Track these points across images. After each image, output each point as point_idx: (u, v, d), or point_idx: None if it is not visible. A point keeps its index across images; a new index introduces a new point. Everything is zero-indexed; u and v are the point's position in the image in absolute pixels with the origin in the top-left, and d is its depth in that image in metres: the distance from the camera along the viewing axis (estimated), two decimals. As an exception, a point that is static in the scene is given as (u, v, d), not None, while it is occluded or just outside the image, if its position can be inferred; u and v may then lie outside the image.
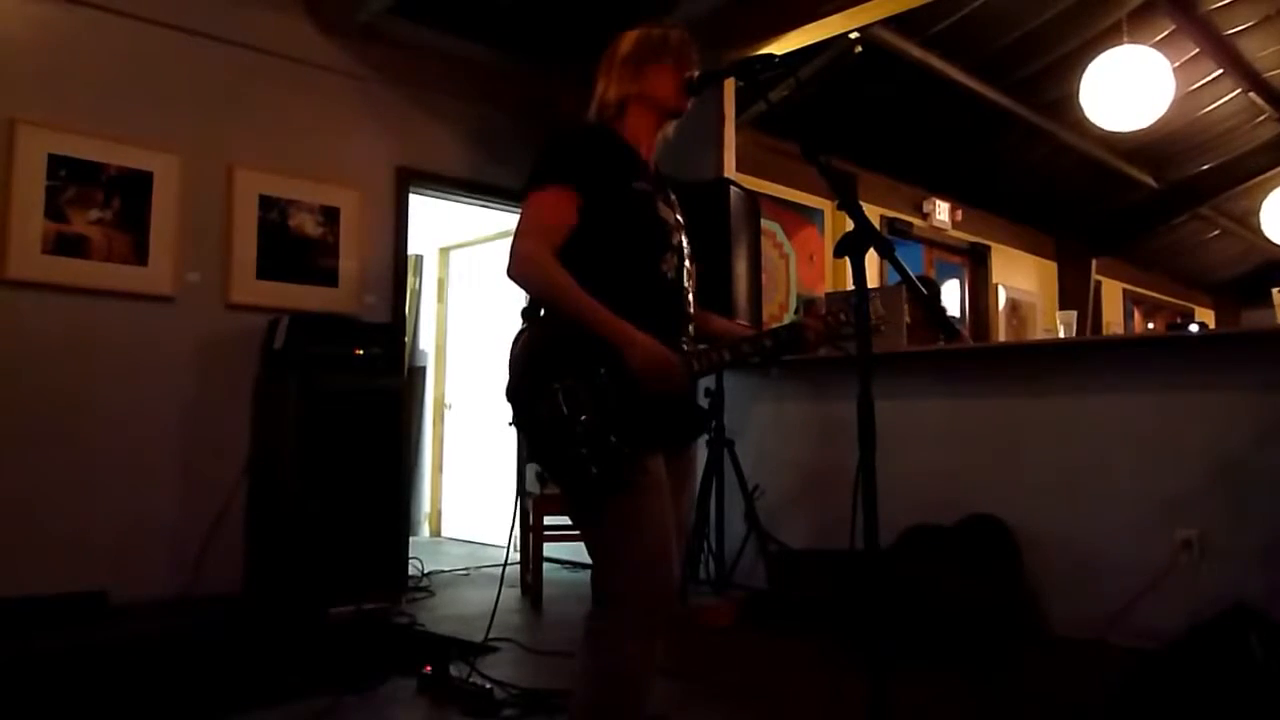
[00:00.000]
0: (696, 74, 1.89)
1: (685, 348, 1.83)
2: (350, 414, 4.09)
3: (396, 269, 4.89)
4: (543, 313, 1.78)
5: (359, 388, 4.15)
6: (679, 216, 1.92)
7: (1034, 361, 3.74)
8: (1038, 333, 8.19)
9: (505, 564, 2.87)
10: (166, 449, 4.05)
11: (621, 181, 1.80)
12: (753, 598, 3.97)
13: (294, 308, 4.33)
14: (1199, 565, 3.17)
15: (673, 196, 1.93)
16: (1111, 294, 9.65)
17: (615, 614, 1.73)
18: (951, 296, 7.87)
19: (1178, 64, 5.51)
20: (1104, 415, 3.44)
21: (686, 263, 1.89)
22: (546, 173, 1.77)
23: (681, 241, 1.89)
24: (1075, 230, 8.73)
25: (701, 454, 4.16)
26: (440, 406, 6.50)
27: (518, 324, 1.83)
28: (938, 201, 7.43)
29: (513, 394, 1.74)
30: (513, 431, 1.75)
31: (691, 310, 1.90)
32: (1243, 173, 7.66)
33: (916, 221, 7.31)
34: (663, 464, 1.76)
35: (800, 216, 6.36)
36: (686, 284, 1.88)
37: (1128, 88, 4.92)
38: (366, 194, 4.77)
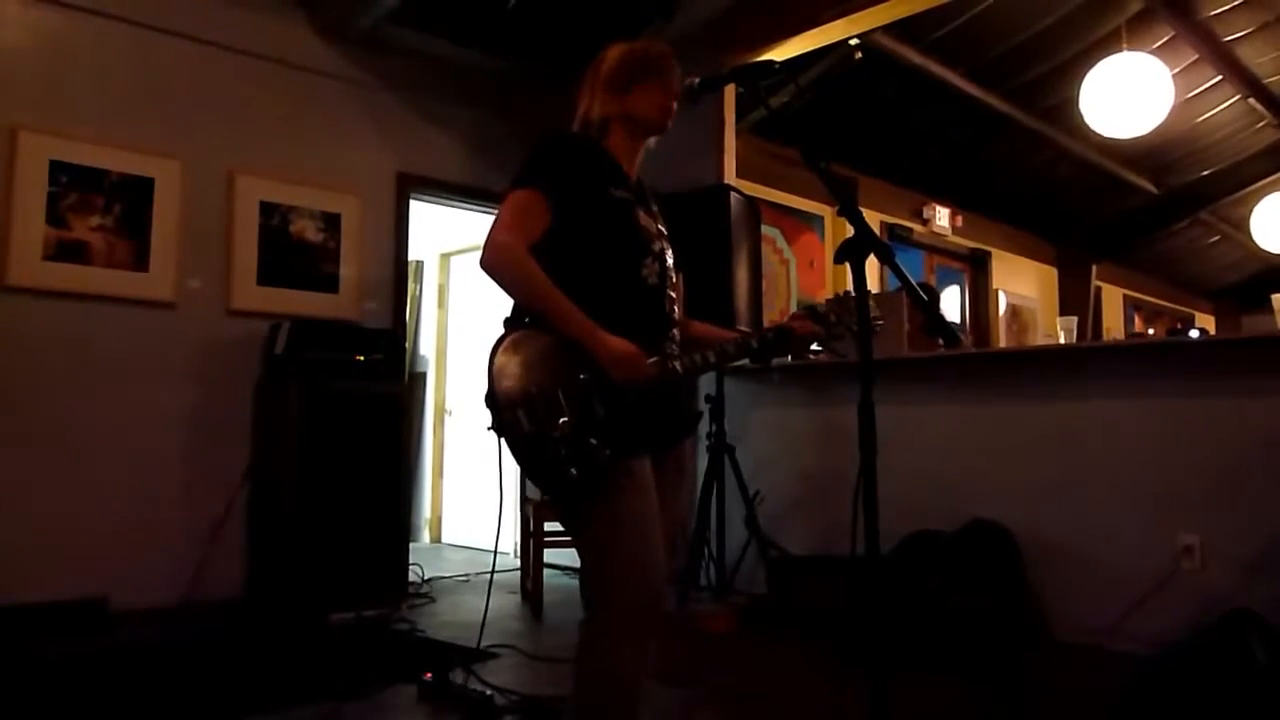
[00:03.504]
0: (696, 81, 1.91)
1: (668, 351, 1.83)
2: (351, 419, 4.09)
3: (397, 275, 4.90)
4: (527, 320, 1.78)
5: (359, 393, 4.15)
6: (661, 227, 1.94)
7: (1034, 367, 3.74)
8: (1038, 338, 8.20)
9: (493, 570, 2.87)
10: (167, 455, 4.05)
11: (599, 188, 1.83)
12: (753, 604, 3.97)
13: (295, 313, 4.33)
14: (1201, 570, 3.17)
15: (655, 208, 1.96)
16: (1112, 300, 9.65)
17: (602, 617, 1.73)
18: (952, 302, 7.87)
19: (1177, 70, 5.52)
20: (1105, 421, 3.44)
21: (670, 270, 1.91)
22: (523, 175, 1.82)
23: (664, 249, 1.91)
24: (1075, 236, 8.74)
25: (702, 459, 4.16)
26: (441, 412, 6.50)
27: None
28: (938, 207, 7.44)
29: (491, 398, 1.74)
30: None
31: (675, 316, 1.91)
32: (1242, 178, 7.66)
33: (917, 227, 7.32)
34: (649, 466, 1.76)
35: (800, 222, 6.37)
36: (669, 290, 1.90)
37: (1127, 95, 4.93)
38: (367, 200, 4.77)
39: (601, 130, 1.91)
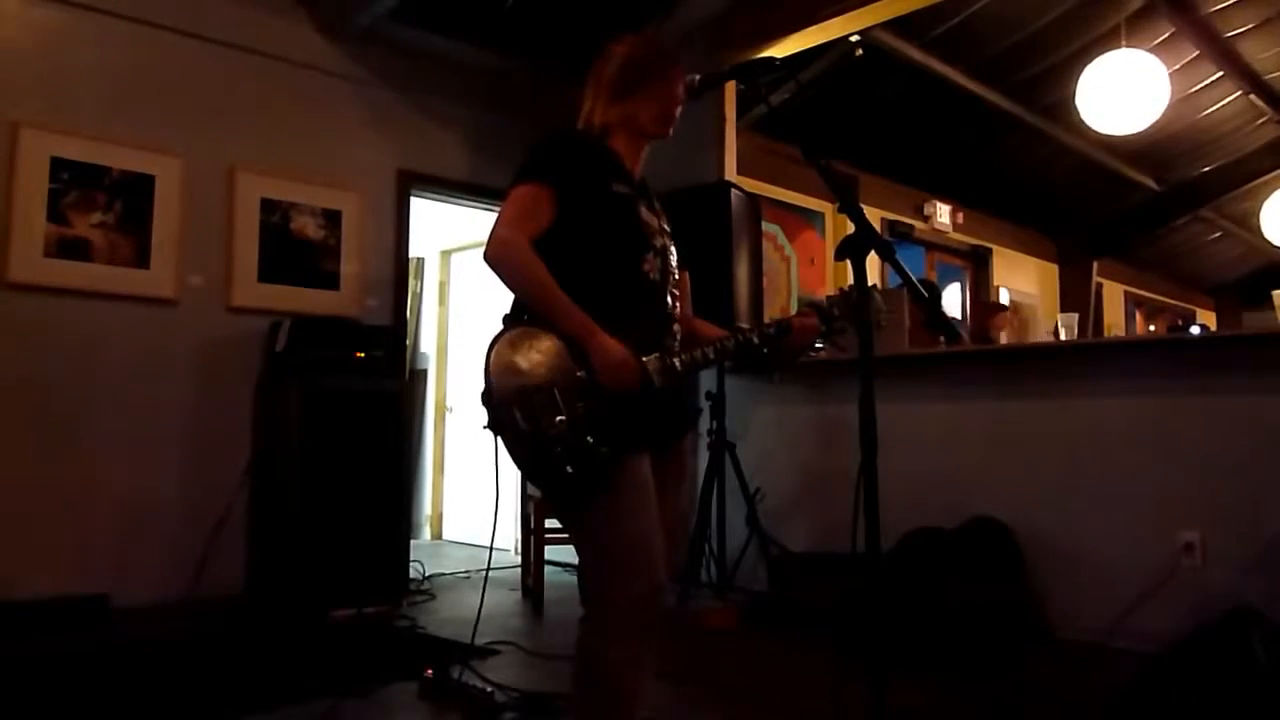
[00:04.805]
0: (697, 78, 1.91)
1: (669, 348, 1.83)
2: (351, 416, 4.09)
3: (398, 272, 4.90)
4: (526, 317, 1.78)
5: (360, 390, 4.15)
6: (664, 224, 1.94)
7: (1035, 364, 3.73)
8: (1039, 335, 8.19)
9: (489, 567, 2.87)
10: (168, 452, 4.05)
11: (601, 184, 1.83)
12: (754, 601, 3.97)
13: (295, 311, 4.32)
14: (1201, 568, 3.17)
15: (657, 205, 1.96)
16: (1113, 296, 9.64)
17: (600, 615, 1.73)
18: (952, 299, 7.86)
19: (1177, 67, 5.52)
20: (1105, 417, 3.44)
21: (672, 267, 1.91)
22: (527, 171, 1.81)
23: (666, 245, 1.91)
24: (1076, 232, 8.73)
25: (703, 456, 4.16)
26: (441, 409, 6.50)
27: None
28: (939, 204, 7.43)
29: (487, 396, 1.74)
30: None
31: (676, 312, 1.91)
32: (1243, 175, 7.65)
33: (918, 224, 7.31)
34: (647, 462, 1.76)
35: (801, 219, 6.36)
36: (671, 287, 1.89)
37: (1123, 92, 4.93)
38: (368, 197, 4.77)
39: (604, 133, 1.91)
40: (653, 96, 1.88)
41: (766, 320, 4.51)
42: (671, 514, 1.91)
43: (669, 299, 1.88)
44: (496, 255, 1.75)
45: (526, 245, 1.74)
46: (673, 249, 1.93)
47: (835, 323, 1.88)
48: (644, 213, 1.88)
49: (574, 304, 1.71)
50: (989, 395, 3.77)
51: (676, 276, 1.93)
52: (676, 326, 1.90)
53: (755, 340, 1.84)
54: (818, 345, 1.91)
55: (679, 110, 1.91)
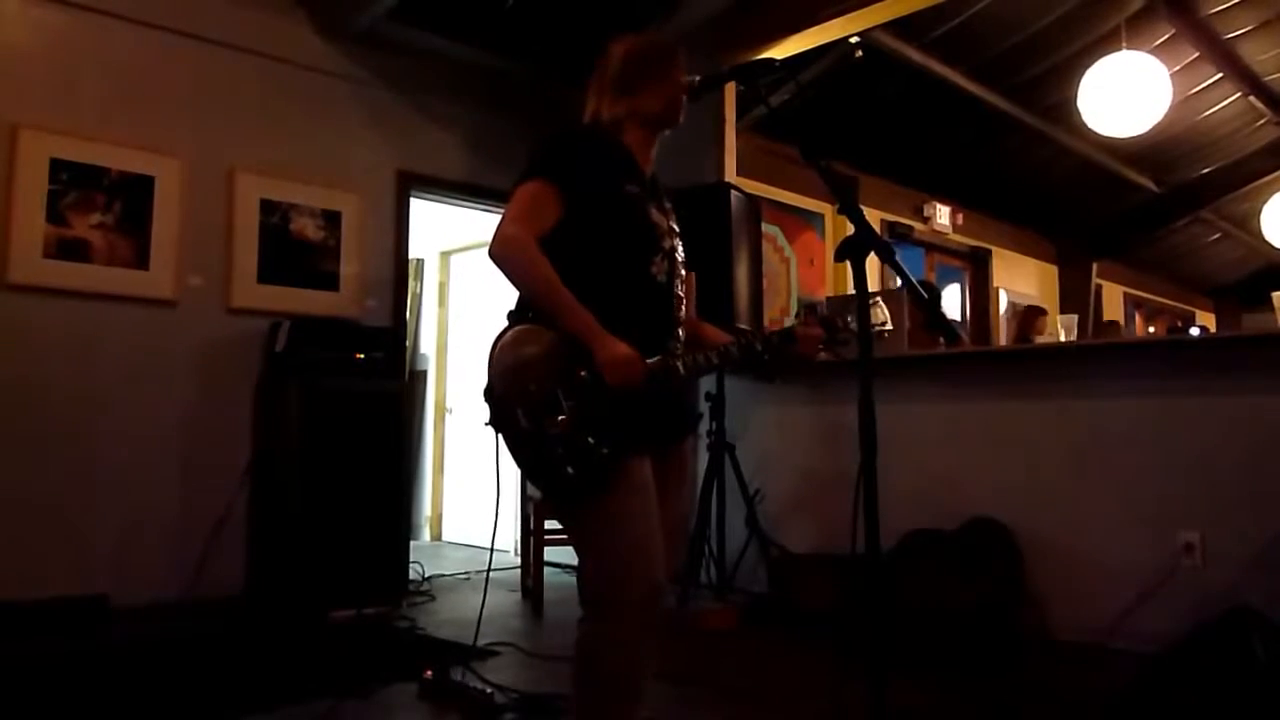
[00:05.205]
0: (697, 79, 1.90)
1: (673, 350, 1.82)
2: (351, 417, 4.09)
3: (397, 273, 4.90)
4: (531, 315, 1.78)
5: (360, 391, 4.15)
6: (673, 224, 1.93)
7: (1035, 365, 3.74)
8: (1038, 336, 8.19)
9: (489, 568, 2.87)
10: (168, 453, 4.05)
11: (612, 183, 1.82)
12: (754, 602, 3.97)
13: (295, 312, 4.33)
14: (1201, 568, 3.17)
15: (668, 205, 1.95)
16: (1112, 297, 9.64)
17: (599, 616, 1.73)
18: (952, 300, 7.87)
19: (1177, 68, 5.52)
20: (1105, 418, 3.44)
21: (679, 268, 1.90)
22: (534, 168, 1.80)
23: (674, 246, 1.90)
24: (1076, 234, 8.73)
25: (702, 457, 4.16)
26: (441, 410, 6.50)
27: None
28: (938, 205, 7.43)
29: (490, 394, 1.73)
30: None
31: (682, 314, 1.90)
32: (1243, 176, 7.66)
33: (917, 225, 7.31)
34: (648, 464, 1.75)
35: (801, 220, 6.36)
36: (677, 288, 1.88)
37: (1124, 94, 4.93)
38: (367, 198, 4.77)
39: (614, 129, 1.90)
40: (658, 87, 1.88)
41: (766, 323, 4.53)
42: (672, 516, 1.90)
43: (674, 301, 1.87)
44: (501, 252, 1.74)
45: (532, 243, 1.73)
46: (680, 249, 1.92)
47: (840, 334, 1.88)
48: (654, 213, 1.86)
49: (577, 302, 1.70)
50: (989, 396, 3.77)
51: (683, 277, 1.92)
52: (681, 330, 1.89)
53: (759, 348, 1.84)
54: (819, 347, 1.91)
55: (685, 96, 1.91)
